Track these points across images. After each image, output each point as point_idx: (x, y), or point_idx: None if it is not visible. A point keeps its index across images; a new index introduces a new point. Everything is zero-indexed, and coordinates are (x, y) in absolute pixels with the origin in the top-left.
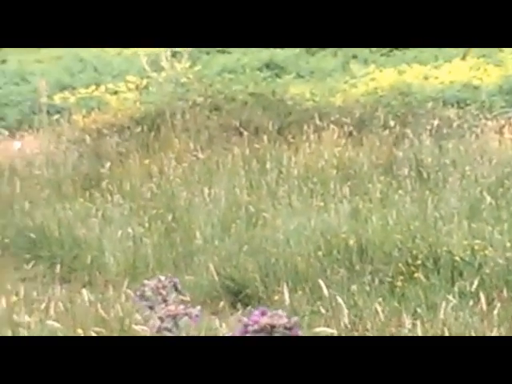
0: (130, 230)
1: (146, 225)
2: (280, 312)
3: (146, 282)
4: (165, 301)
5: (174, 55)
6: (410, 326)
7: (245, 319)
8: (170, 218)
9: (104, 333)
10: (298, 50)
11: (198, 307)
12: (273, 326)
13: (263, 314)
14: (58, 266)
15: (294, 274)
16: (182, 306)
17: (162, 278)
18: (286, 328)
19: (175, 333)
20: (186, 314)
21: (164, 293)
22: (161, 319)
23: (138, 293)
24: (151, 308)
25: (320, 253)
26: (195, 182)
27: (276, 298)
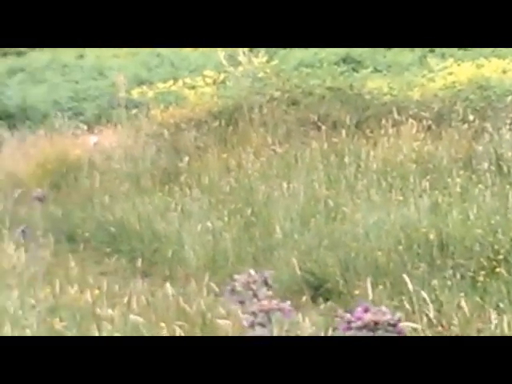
0: (209, 224)
1: (226, 219)
2: (383, 308)
3: (236, 276)
4: (255, 296)
5: (251, 50)
6: (496, 321)
7: (347, 315)
8: (249, 212)
9: (186, 327)
10: None
11: (288, 302)
12: (376, 323)
13: (366, 310)
14: (139, 260)
15: (375, 269)
16: (274, 301)
17: (253, 272)
18: (389, 324)
19: (268, 327)
20: (279, 309)
21: (254, 287)
22: (254, 314)
23: (229, 287)
24: (241, 303)
25: (400, 247)
26: (273, 176)
27: (356, 292)
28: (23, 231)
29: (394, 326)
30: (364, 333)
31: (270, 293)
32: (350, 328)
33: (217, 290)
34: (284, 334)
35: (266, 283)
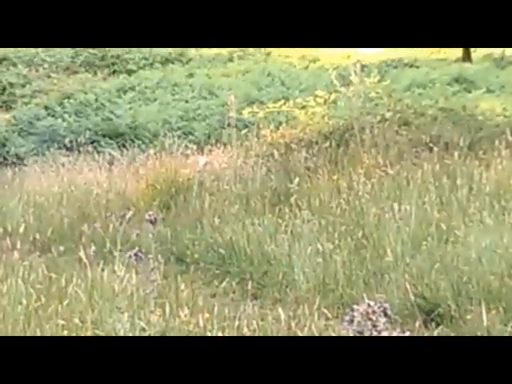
0: (319, 247)
1: (336, 241)
2: None
3: (355, 306)
4: (374, 326)
5: (363, 69)
6: None
7: None
8: (359, 234)
9: None
10: (487, 63)
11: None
12: None
13: None
14: (250, 283)
15: (487, 293)
16: (394, 333)
17: (372, 302)
18: None
19: None
20: None
21: (374, 318)
22: None
23: (347, 318)
24: (360, 333)
25: None
26: (384, 198)
27: (469, 317)
28: (135, 254)
29: None
30: None
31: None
32: None
33: (329, 314)
34: None
35: (385, 314)
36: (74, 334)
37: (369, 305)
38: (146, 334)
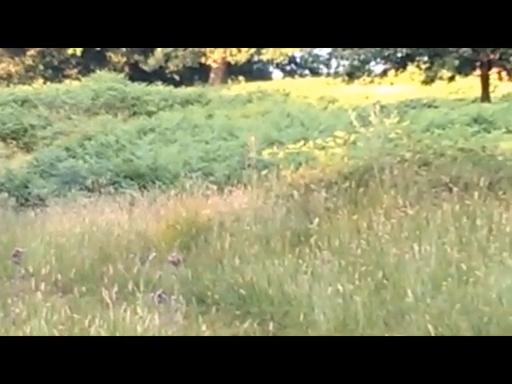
0: (339, 287)
1: (356, 282)
2: None
3: None
4: None
5: (382, 110)
6: None
7: None
8: (380, 275)
9: None
10: (506, 104)
11: None
12: None
13: None
14: (271, 323)
15: (508, 334)
16: None
17: None
18: None
19: None
20: None
21: None
22: None
23: None
24: None
25: None
26: (404, 239)
27: None
28: (159, 296)
29: None
30: None
31: None
32: None
33: None
34: None
35: None
36: None
37: None
38: None
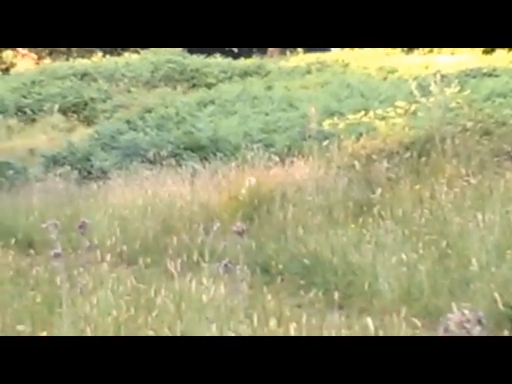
0: (403, 256)
1: (420, 251)
2: None
3: (449, 315)
4: (469, 334)
5: (442, 79)
6: None
7: None
8: (443, 244)
9: None
10: None
11: None
12: None
13: None
14: (336, 293)
15: None
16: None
17: (466, 311)
18: None
19: None
20: None
21: (468, 326)
22: None
23: (442, 326)
24: None
25: None
26: (467, 208)
27: None
28: (225, 265)
29: None
30: None
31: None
32: None
33: (418, 323)
34: None
35: (479, 322)
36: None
37: (463, 314)
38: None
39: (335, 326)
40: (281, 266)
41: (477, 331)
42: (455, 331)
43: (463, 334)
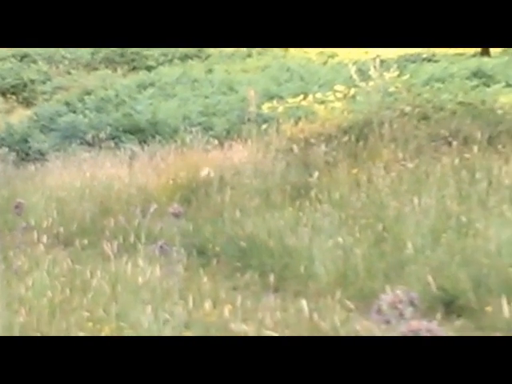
0: (339, 240)
1: (356, 234)
2: None
3: (382, 296)
4: (401, 315)
5: (382, 64)
6: None
7: None
8: (379, 227)
9: None
10: (506, 58)
11: (435, 322)
12: None
13: None
14: (272, 275)
15: (507, 286)
16: (424, 322)
17: (399, 292)
18: None
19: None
20: (428, 330)
21: (401, 307)
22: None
23: (375, 307)
24: (388, 322)
25: None
26: (404, 192)
27: (489, 309)
28: (161, 247)
29: None
30: None
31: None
32: None
33: (351, 306)
34: None
35: (412, 303)
36: (98, 326)
37: (396, 294)
38: (170, 326)
39: (270, 308)
40: (217, 249)
41: (409, 312)
42: (388, 312)
43: (396, 314)
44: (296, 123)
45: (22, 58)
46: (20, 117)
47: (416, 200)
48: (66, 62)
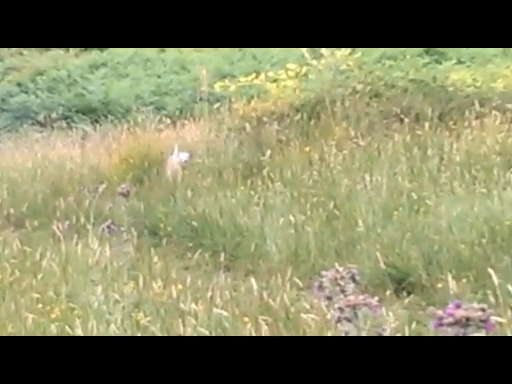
0: (291, 218)
1: (308, 212)
2: (475, 305)
3: (323, 272)
4: (343, 291)
5: None
6: None
7: (439, 312)
8: (331, 205)
9: (270, 321)
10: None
11: (375, 298)
12: (468, 319)
13: (458, 306)
14: (222, 255)
15: (458, 262)
16: (361, 297)
17: (340, 268)
18: (481, 320)
19: (354, 323)
20: (366, 305)
21: (342, 283)
22: (340, 310)
23: (316, 283)
24: (329, 298)
25: (484, 240)
26: (356, 169)
27: (439, 285)
28: (108, 227)
29: (485, 321)
30: (455, 329)
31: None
32: (441, 324)
33: (300, 284)
34: (368, 329)
35: (353, 279)
36: (48, 307)
37: (337, 271)
38: (120, 306)
39: (221, 287)
40: (169, 229)
41: (351, 288)
42: (329, 288)
43: (337, 291)
44: (248, 102)
45: None
46: None
47: (368, 178)
48: None
